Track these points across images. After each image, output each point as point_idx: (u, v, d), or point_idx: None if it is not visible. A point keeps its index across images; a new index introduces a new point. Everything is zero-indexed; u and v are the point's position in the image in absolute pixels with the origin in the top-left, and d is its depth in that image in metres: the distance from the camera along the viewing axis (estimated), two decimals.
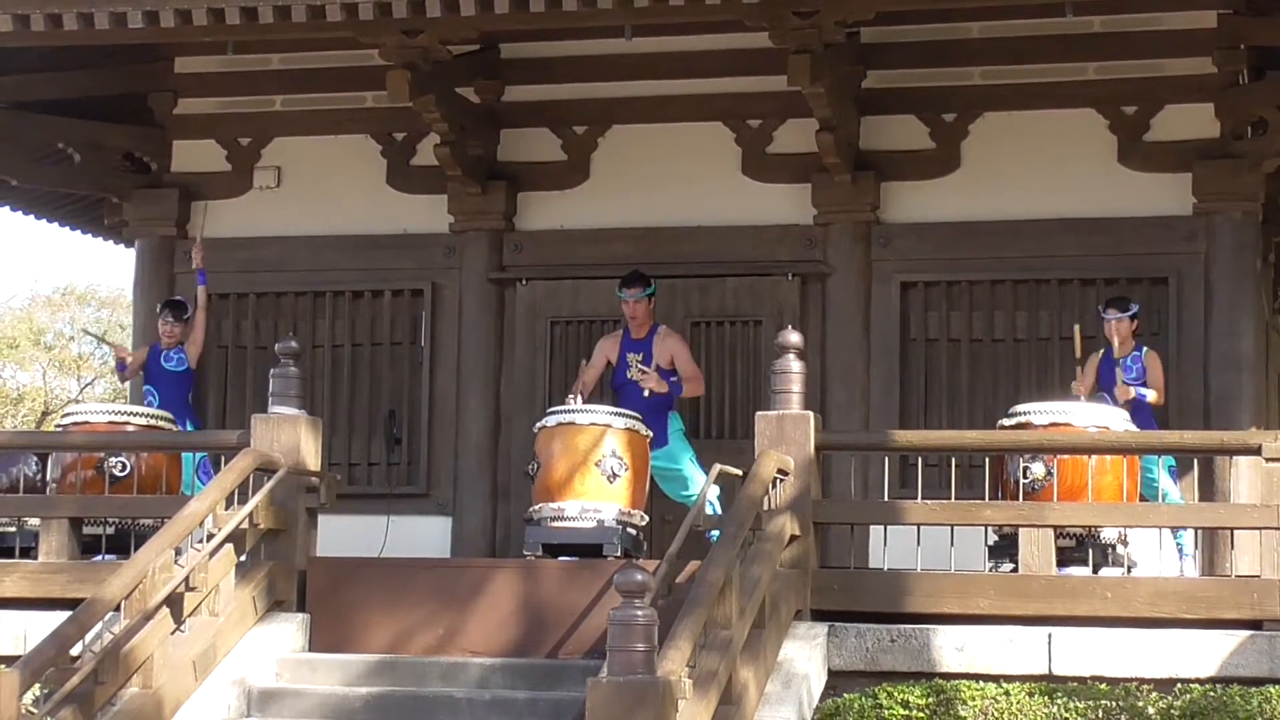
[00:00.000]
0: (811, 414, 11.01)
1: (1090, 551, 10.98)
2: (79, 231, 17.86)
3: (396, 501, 14.12)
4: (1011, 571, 10.80)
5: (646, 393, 12.52)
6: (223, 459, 11.51)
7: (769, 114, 14.04)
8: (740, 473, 10.78)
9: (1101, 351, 12.67)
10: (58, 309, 41.07)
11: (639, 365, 12.78)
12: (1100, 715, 9.78)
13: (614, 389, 13.00)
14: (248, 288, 14.85)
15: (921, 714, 9.89)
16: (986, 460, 11.27)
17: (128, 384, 15.43)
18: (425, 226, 14.61)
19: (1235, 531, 10.81)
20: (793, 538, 10.66)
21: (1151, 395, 12.39)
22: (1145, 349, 12.61)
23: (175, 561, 10.26)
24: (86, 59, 14.52)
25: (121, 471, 12.04)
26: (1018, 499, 10.91)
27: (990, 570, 11.09)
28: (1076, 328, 12.76)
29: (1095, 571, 10.91)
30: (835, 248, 13.88)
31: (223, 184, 15.09)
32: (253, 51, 14.12)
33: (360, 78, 14.32)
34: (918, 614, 10.60)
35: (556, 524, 11.48)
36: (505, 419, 14.31)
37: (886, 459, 12.05)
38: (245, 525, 10.86)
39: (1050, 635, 10.29)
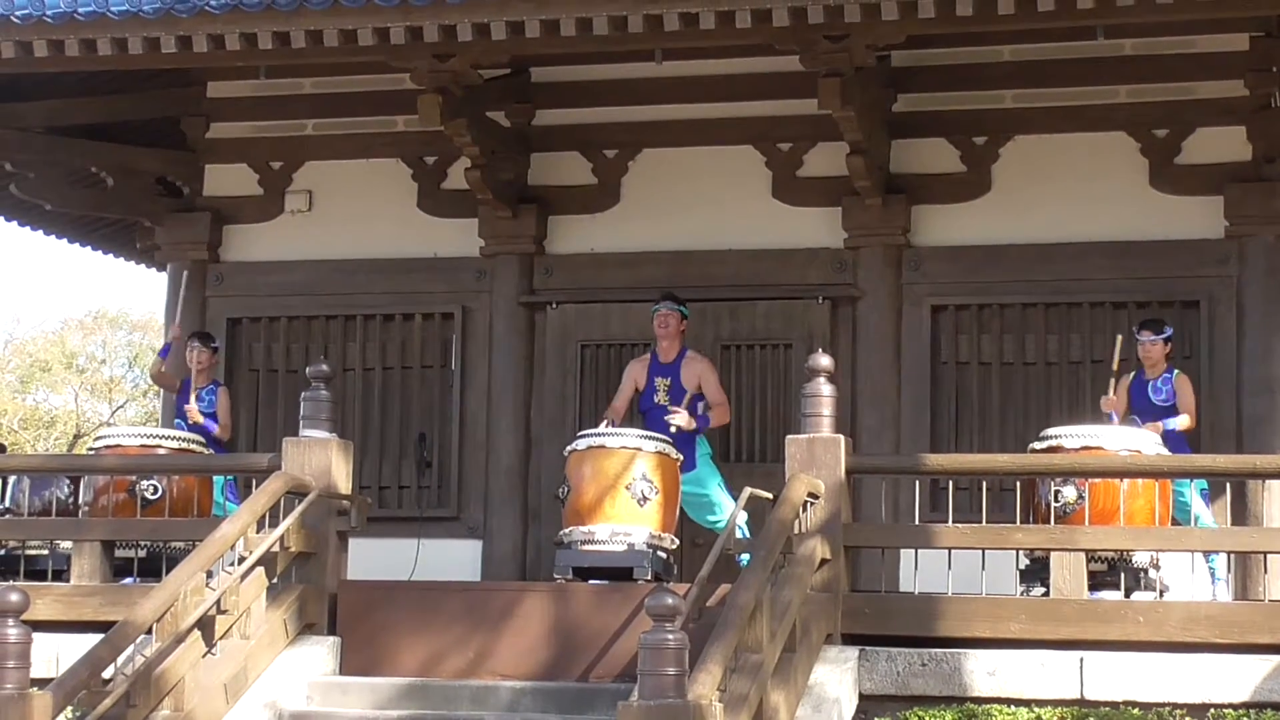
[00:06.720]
0: (842, 437, 10.99)
1: (1122, 575, 10.93)
2: (111, 255, 17.96)
3: (427, 524, 14.13)
4: (1043, 595, 10.77)
5: (674, 429, 12.44)
6: (253, 482, 11.53)
7: (799, 137, 14.05)
8: (771, 496, 10.76)
9: (1134, 374, 12.63)
10: (89, 332, 41.26)
11: (667, 397, 12.73)
12: None
13: (641, 412, 12.99)
14: (279, 311, 14.90)
15: None
16: (1018, 484, 11.25)
17: (160, 407, 15.44)
18: (456, 250, 14.64)
19: (1268, 556, 10.76)
20: (823, 561, 10.64)
21: (1181, 423, 12.29)
22: (1176, 371, 12.55)
23: (207, 584, 10.28)
24: (120, 84, 14.57)
25: (153, 494, 12.06)
26: (1049, 523, 10.87)
27: (1022, 594, 11.05)
28: (1120, 338, 12.56)
29: (1127, 596, 10.86)
30: (866, 271, 13.87)
31: (254, 208, 15.15)
32: (284, 76, 14.18)
33: (391, 102, 14.38)
34: (949, 638, 10.57)
35: (587, 547, 11.47)
36: (535, 442, 14.32)
37: (917, 482, 12.02)
38: (276, 548, 10.88)
39: (1082, 659, 10.24)
